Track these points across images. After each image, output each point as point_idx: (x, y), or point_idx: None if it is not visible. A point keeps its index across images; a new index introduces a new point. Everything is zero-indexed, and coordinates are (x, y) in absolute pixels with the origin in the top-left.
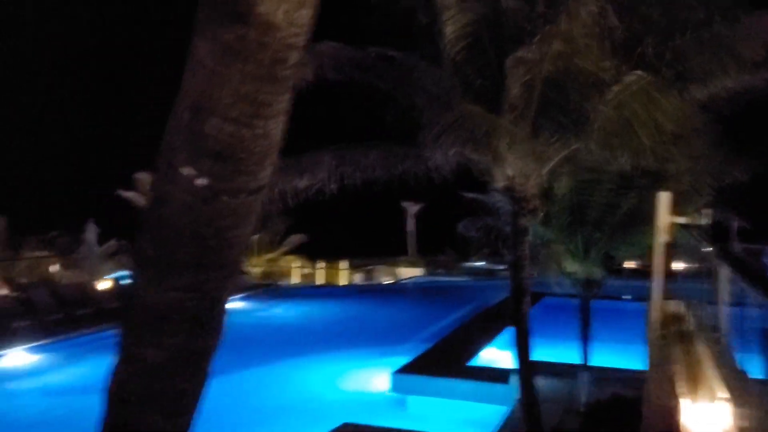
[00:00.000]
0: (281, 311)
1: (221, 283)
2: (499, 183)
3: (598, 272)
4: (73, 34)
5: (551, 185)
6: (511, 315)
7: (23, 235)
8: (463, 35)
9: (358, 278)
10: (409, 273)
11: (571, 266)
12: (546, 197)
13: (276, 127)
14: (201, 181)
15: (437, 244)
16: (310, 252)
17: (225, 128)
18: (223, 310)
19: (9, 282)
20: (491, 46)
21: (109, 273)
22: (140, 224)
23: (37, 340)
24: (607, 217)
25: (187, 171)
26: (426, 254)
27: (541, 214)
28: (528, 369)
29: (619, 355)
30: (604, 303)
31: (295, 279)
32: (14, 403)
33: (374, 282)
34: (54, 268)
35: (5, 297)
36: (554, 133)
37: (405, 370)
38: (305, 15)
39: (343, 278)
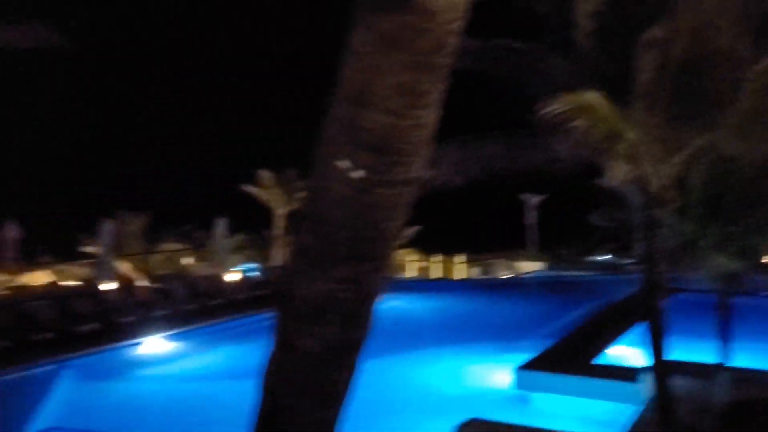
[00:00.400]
0: (399, 305)
1: (374, 275)
2: (630, 174)
3: (737, 267)
4: (208, 31)
5: (686, 175)
6: (643, 311)
7: (160, 231)
8: (589, 20)
9: (475, 272)
10: (529, 267)
11: (709, 260)
12: (680, 188)
13: (431, 117)
14: (357, 174)
15: (558, 238)
16: (424, 245)
17: (382, 119)
18: (374, 303)
19: (148, 274)
20: (619, 31)
21: (236, 265)
22: (301, 217)
23: (174, 328)
24: (746, 209)
25: (343, 164)
26: (546, 248)
27: (675, 205)
28: (663, 367)
29: (761, 355)
30: (743, 299)
31: (410, 272)
32: (152, 386)
33: (492, 276)
34: (187, 260)
35: (145, 288)
36: (688, 120)
37: (529, 366)
38: None
39: (460, 272)
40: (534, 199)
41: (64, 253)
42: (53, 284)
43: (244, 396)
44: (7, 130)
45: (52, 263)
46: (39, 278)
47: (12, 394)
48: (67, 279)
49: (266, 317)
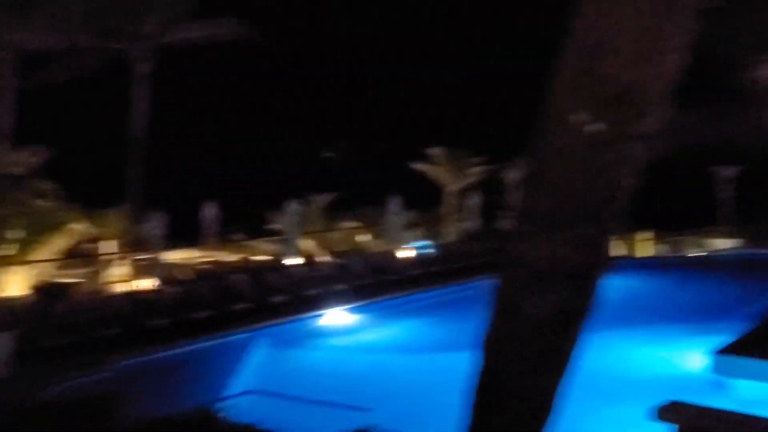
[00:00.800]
0: None
1: (605, 238)
2: None
3: None
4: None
5: None
6: None
7: (338, 210)
8: None
9: (662, 250)
10: (722, 244)
11: None
12: None
13: (674, 66)
14: (594, 128)
15: (756, 213)
16: None
17: (621, 69)
18: (603, 268)
19: (328, 250)
20: None
21: (409, 242)
22: (528, 179)
23: (352, 302)
24: None
25: (578, 118)
26: (742, 224)
27: None
28: None
29: None
30: None
31: None
32: (335, 355)
33: (682, 254)
34: (363, 238)
35: (326, 263)
36: None
37: (727, 350)
38: None
39: (646, 249)
40: (728, 172)
41: (253, 231)
42: (246, 259)
43: (418, 367)
44: (207, 120)
45: (243, 240)
46: (232, 254)
47: (214, 360)
48: (256, 255)
49: (440, 293)
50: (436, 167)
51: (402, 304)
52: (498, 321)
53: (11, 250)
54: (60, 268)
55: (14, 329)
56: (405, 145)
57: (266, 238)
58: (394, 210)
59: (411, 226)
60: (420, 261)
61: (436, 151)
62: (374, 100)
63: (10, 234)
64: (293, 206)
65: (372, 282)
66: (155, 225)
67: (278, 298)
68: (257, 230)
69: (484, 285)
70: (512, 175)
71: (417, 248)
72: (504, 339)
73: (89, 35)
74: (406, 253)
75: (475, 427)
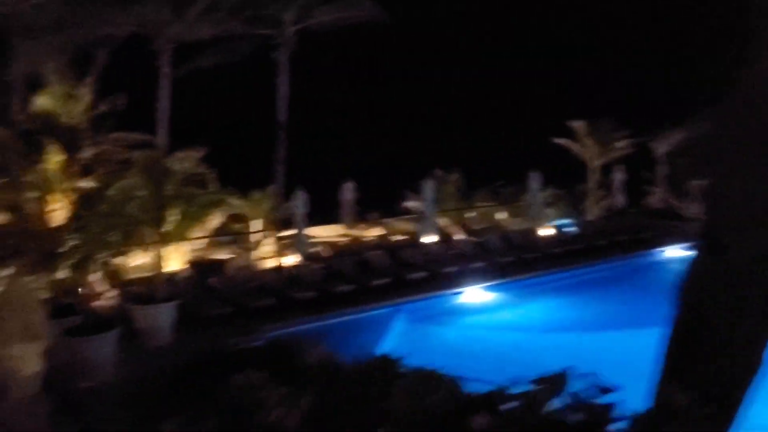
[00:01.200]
0: None
1: None
2: None
3: None
4: None
5: None
6: None
7: (474, 188)
8: None
9: None
10: None
11: None
12: None
13: None
14: None
15: None
16: None
17: None
18: None
19: (465, 228)
20: None
21: (550, 220)
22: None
23: (491, 279)
24: None
25: None
26: None
27: None
28: None
29: None
30: None
31: None
32: (473, 332)
33: None
34: (500, 215)
35: (463, 241)
36: None
37: None
38: None
39: None
40: None
41: (388, 210)
42: (384, 237)
43: (557, 348)
44: (345, 102)
45: (379, 218)
46: (370, 232)
47: (356, 333)
48: (393, 233)
49: (583, 272)
50: (578, 142)
51: (543, 282)
52: (700, 268)
53: (171, 228)
54: (212, 245)
55: (176, 300)
56: (544, 119)
57: (403, 217)
58: (535, 186)
59: (552, 203)
60: (561, 239)
61: (578, 125)
62: (514, 73)
63: (171, 214)
64: (430, 184)
65: (510, 260)
66: (298, 204)
67: (415, 275)
68: (394, 209)
69: (632, 263)
70: (662, 147)
71: (558, 226)
72: (706, 284)
73: (237, 24)
74: (546, 231)
75: (669, 386)
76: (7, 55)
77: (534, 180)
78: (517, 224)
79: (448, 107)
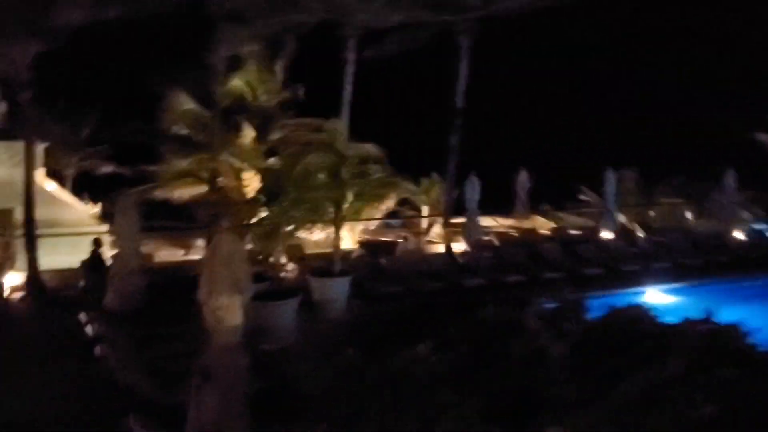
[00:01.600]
0: None
1: None
2: None
3: None
4: None
5: None
6: None
7: (655, 184)
8: None
9: None
10: None
11: None
12: None
13: None
14: None
15: None
16: None
17: None
18: None
19: (645, 226)
20: None
21: (743, 223)
22: None
23: (675, 282)
24: None
25: None
26: None
27: None
28: None
29: None
30: None
31: None
32: None
33: None
34: (687, 214)
35: (643, 240)
36: None
37: None
38: None
39: None
40: None
41: (559, 202)
42: (560, 229)
43: None
44: (521, 90)
45: (551, 210)
46: (541, 224)
47: None
48: (565, 226)
49: None
50: None
51: (734, 289)
52: None
53: (348, 210)
54: (382, 228)
55: (350, 276)
56: (743, 113)
57: (579, 209)
58: (729, 185)
59: (748, 204)
60: (756, 243)
61: None
62: (707, 67)
63: (349, 197)
64: (611, 177)
65: (697, 263)
66: (471, 191)
67: (592, 270)
68: (568, 201)
69: None
70: None
71: (754, 230)
72: None
73: (421, 10)
74: (739, 234)
75: None
76: (211, 40)
77: (730, 178)
78: (703, 225)
79: (629, 99)
